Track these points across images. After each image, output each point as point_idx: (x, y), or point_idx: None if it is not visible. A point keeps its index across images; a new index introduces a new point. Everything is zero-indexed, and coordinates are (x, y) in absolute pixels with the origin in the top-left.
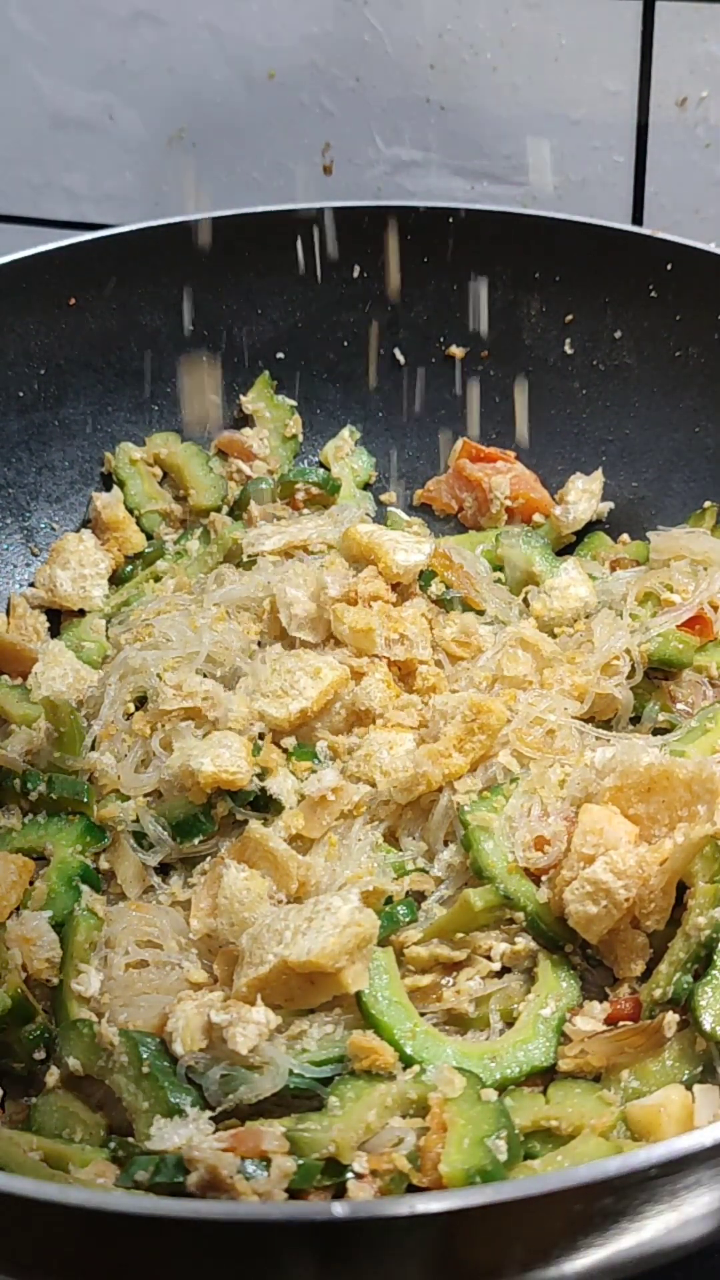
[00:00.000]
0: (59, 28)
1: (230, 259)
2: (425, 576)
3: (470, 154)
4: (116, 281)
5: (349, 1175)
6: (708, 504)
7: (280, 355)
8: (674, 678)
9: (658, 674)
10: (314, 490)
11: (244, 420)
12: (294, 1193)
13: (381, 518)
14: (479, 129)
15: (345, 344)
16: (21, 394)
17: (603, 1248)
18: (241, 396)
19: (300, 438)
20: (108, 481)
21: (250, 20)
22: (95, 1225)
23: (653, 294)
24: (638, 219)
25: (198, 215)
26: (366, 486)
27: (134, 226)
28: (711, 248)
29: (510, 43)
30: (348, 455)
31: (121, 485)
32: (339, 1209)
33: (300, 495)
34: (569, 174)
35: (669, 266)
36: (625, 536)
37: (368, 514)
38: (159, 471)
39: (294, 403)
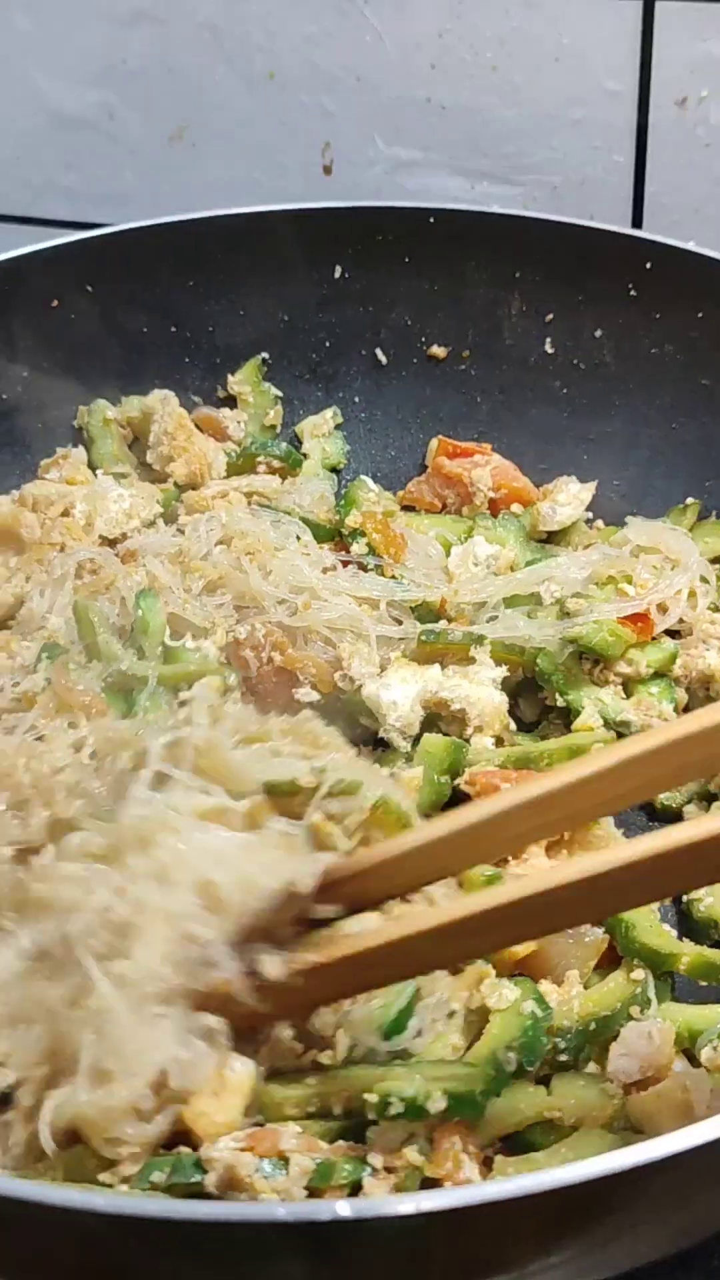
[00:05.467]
0: (59, 28)
1: (222, 259)
2: (353, 534)
3: (470, 154)
4: (104, 281)
5: (365, 1172)
6: (689, 500)
7: (265, 356)
8: (609, 667)
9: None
10: (275, 464)
11: (227, 402)
12: (313, 1191)
13: (341, 496)
14: (479, 129)
15: (328, 344)
16: (5, 396)
17: (603, 1247)
18: (230, 375)
19: (279, 430)
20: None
21: (250, 20)
22: (94, 1226)
23: (632, 293)
24: (638, 219)
25: (194, 214)
26: (336, 471)
27: (125, 226)
28: (691, 246)
29: (510, 42)
30: (324, 436)
31: (89, 444)
32: (342, 1208)
33: (261, 469)
34: (569, 174)
35: (649, 265)
36: (600, 522)
37: (328, 493)
38: (130, 435)
39: (280, 393)
